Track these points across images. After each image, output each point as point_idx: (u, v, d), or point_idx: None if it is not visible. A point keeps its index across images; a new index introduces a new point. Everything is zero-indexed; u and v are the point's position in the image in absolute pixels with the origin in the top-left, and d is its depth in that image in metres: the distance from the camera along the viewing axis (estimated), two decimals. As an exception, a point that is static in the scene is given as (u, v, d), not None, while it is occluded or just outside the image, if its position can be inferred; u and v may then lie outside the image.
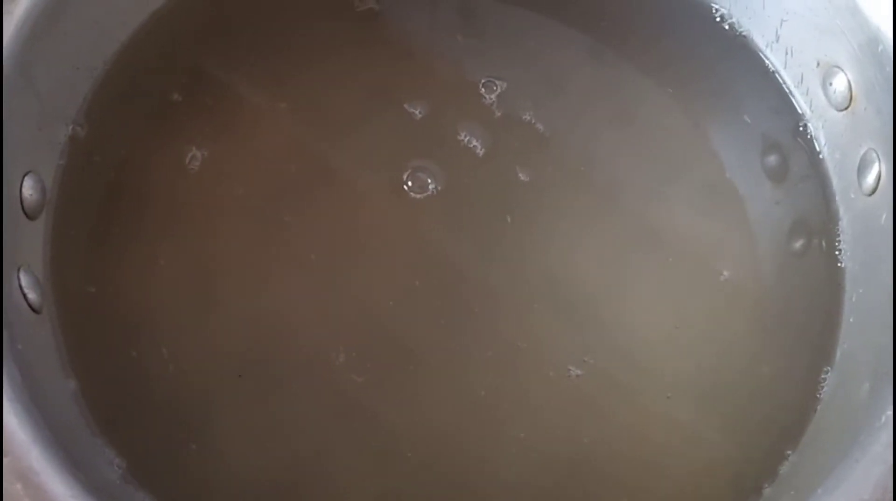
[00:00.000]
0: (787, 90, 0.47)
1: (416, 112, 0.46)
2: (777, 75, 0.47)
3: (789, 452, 0.41)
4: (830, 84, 0.44)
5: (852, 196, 0.44)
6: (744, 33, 0.48)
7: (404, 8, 0.48)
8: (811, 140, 0.46)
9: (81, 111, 0.44)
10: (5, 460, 0.33)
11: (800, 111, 0.47)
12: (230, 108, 0.46)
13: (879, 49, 0.41)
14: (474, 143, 0.46)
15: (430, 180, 0.45)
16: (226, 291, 0.43)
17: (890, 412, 0.36)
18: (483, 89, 0.47)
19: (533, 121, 0.46)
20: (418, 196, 0.45)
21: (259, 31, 0.47)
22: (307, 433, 0.41)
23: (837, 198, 0.45)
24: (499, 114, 0.46)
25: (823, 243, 0.45)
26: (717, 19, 0.48)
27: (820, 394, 0.42)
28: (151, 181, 0.44)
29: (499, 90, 0.47)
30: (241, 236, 0.44)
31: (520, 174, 0.45)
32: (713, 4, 0.48)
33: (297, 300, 0.43)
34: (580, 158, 0.47)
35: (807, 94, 0.46)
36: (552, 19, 0.49)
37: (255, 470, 0.41)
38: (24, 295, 0.39)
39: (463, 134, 0.46)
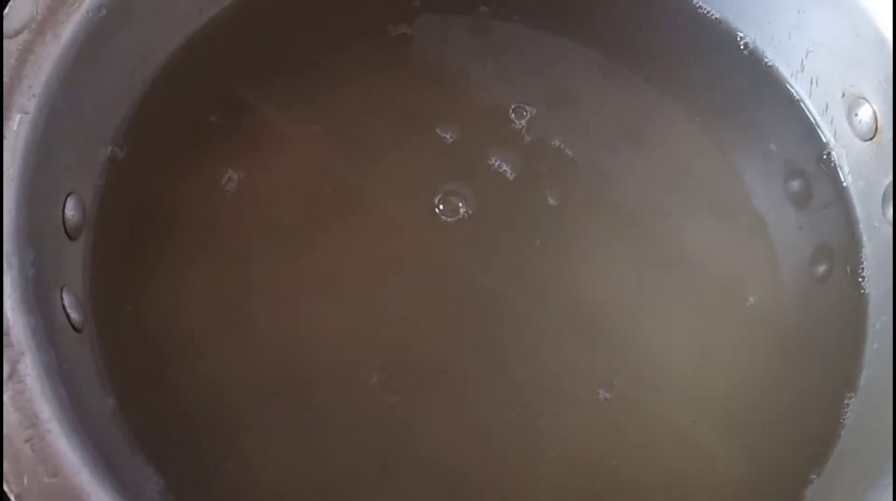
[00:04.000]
0: (811, 119, 0.48)
1: (448, 136, 0.47)
2: (802, 104, 0.48)
3: (814, 476, 0.42)
4: (856, 115, 0.45)
5: (876, 225, 0.45)
6: (769, 62, 0.49)
7: (436, 33, 0.49)
8: (835, 169, 0.47)
9: (120, 132, 0.45)
10: (55, 480, 0.33)
11: (824, 140, 0.47)
12: (266, 130, 0.47)
13: (905, 82, 0.42)
14: (504, 167, 0.47)
15: (461, 204, 0.46)
16: (261, 310, 0.44)
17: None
18: (513, 115, 0.48)
19: (562, 146, 0.47)
20: (450, 220, 0.46)
21: (294, 55, 0.48)
22: (342, 451, 0.42)
23: (861, 226, 0.46)
24: (528, 139, 0.47)
25: (847, 270, 0.46)
26: (742, 47, 0.49)
27: (843, 419, 0.43)
28: (188, 202, 0.45)
29: (528, 116, 0.47)
30: (276, 256, 0.45)
31: (549, 199, 0.46)
32: (739, 33, 0.49)
33: (331, 321, 0.44)
34: (608, 183, 0.47)
35: (831, 123, 0.47)
36: (581, 46, 0.49)
37: (291, 488, 0.41)
38: (67, 315, 0.40)
39: (493, 159, 0.47)
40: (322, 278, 0.45)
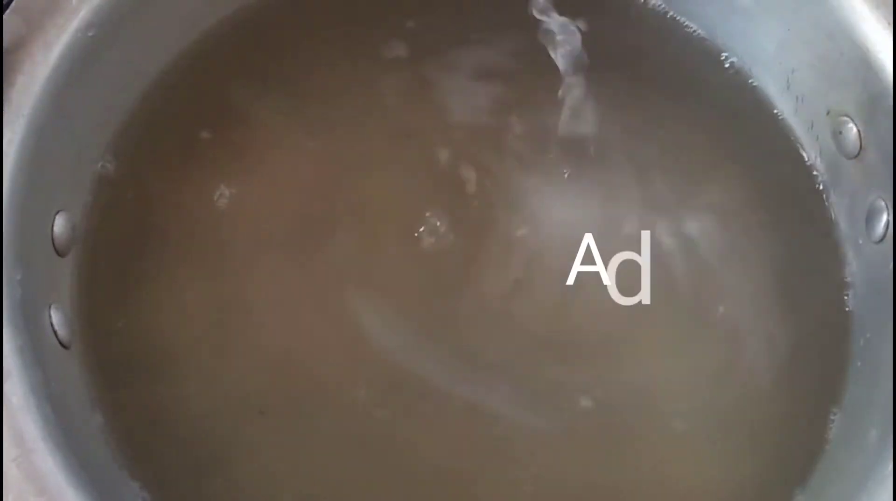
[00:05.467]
0: (796, 136, 0.48)
1: (438, 158, 0.47)
2: (787, 121, 0.49)
3: (798, 491, 0.42)
4: (840, 133, 0.45)
5: (860, 242, 0.45)
6: (754, 80, 0.49)
7: (431, 57, 0.49)
8: (820, 186, 0.47)
9: (110, 149, 0.45)
10: (41, 499, 0.34)
11: (809, 157, 0.48)
12: (258, 146, 0.47)
13: (890, 101, 0.42)
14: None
15: (448, 225, 0.46)
16: (250, 327, 0.44)
17: None
18: (505, 136, 0.48)
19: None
20: (436, 239, 0.46)
21: (288, 73, 0.48)
22: (329, 468, 0.42)
23: (846, 244, 0.46)
24: (520, 163, 0.47)
25: (832, 288, 0.46)
26: (727, 65, 0.50)
27: (828, 435, 0.43)
28: (179, 217, 0.46)
29: (521, 137, 0.48)
30: (267, 272, 0.45)
31: (539, 219, 0.47)
32: (724, 52, 0.49)
33: (320, 337, 0.44)
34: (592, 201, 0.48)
35: (816, 141, 0.47)
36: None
37: (278, 505, 0.42)
38: (55, 332, 0.40)
39: (484, 181, 0.47)
40: (312, 294, 0.45)
